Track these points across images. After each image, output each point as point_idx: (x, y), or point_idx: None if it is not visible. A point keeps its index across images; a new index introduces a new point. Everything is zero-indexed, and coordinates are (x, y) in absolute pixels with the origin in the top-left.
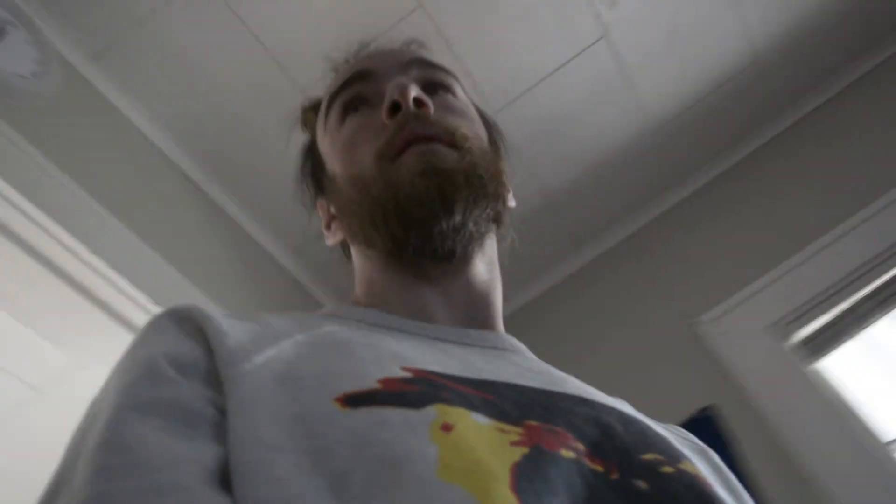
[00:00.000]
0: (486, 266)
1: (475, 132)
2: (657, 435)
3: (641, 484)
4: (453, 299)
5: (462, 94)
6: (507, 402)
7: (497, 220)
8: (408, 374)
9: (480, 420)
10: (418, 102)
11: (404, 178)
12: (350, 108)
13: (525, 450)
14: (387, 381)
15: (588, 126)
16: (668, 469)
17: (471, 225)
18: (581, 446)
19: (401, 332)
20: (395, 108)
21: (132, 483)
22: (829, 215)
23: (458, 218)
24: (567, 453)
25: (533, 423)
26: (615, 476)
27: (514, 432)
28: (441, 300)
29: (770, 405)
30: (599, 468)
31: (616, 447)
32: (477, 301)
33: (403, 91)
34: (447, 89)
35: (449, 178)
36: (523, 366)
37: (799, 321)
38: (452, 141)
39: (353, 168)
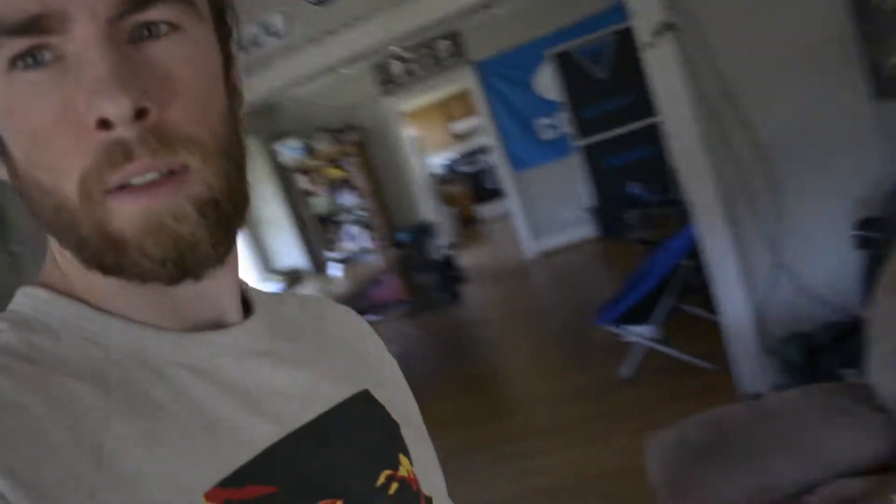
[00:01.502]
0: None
1: (217, 139)
2: (385, 427)
3: None
4: (213, 294)
5: (194, 31)
6: (292, 487)
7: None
8: None
9: None
10: (139, 112)
11: (128, 239)
12: (24, 58)
13: None
14: None
15: None
16: (394, 486)
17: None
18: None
19: (188, 369)
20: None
21: None
22: None
23: (201, 278)
24: None
25: None
26: None
27: None
28: (207, 292)
29: None
30: None
31: (359, 482)
32: (234, 286)
33: (120, 106)
34: (174, 29)
35: (189, 248)
36: (280, 355)
37: None
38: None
39: (46, 178)
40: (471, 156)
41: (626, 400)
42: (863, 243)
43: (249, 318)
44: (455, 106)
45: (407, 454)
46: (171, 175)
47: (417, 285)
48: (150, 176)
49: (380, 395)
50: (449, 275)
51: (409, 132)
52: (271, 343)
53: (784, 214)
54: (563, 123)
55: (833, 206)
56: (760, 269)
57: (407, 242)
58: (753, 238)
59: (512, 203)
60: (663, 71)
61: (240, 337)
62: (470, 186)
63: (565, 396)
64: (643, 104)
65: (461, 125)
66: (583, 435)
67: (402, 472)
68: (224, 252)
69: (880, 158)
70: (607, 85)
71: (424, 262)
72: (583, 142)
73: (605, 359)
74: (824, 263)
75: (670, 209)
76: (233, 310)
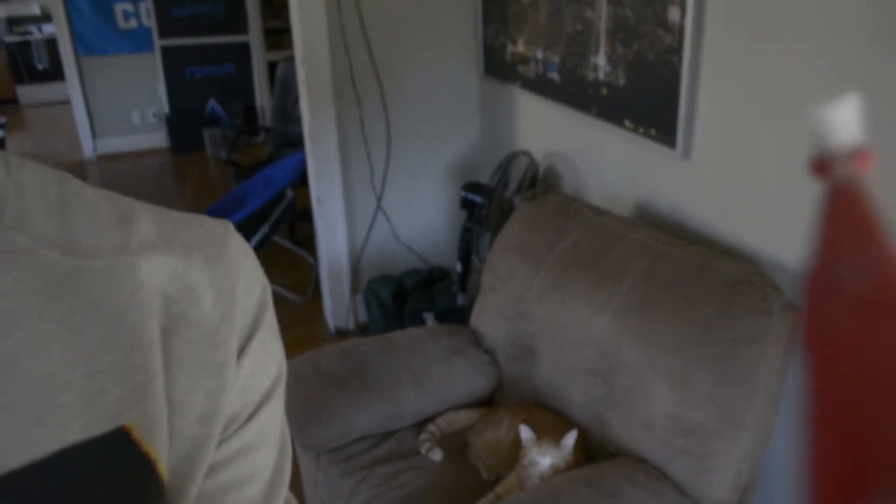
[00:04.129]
0: None
1: None
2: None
3: None
4: None
5: None
6: None
7: None
8: None
9: None
10: None
11: None
12: None
13: None
14: None
15: None
16: None
17: None
18: None
19: None
20: None
21: None
22: None
23: None
24: None
25: None
26: None
27: None
28: None
29: None
30: None
31: None
32: None
33: None
34: None
35: None
36: None
37: None
38: None
39: None
40: (19, 24)
41: None
42: (466, 204)
43: None
44: None
45: None
46: None
47: None
48: None
49: (148, 424)
50: None
51: None
52: None
53: (391, 166)
54: (147, 15)
55: (432, 166)
56: (362, 213)
57: None
58: (361, 182)
59: (72, 91)
60: None
61: None
62: (10, 61)
63: None
64: (237, 18)
65: None
66: None
67: None
68: None
69: (480, 129)
70: None
71: None
72: (166, 42)
73: None
74: (417, 217)
75: (258, 136)
76: None
